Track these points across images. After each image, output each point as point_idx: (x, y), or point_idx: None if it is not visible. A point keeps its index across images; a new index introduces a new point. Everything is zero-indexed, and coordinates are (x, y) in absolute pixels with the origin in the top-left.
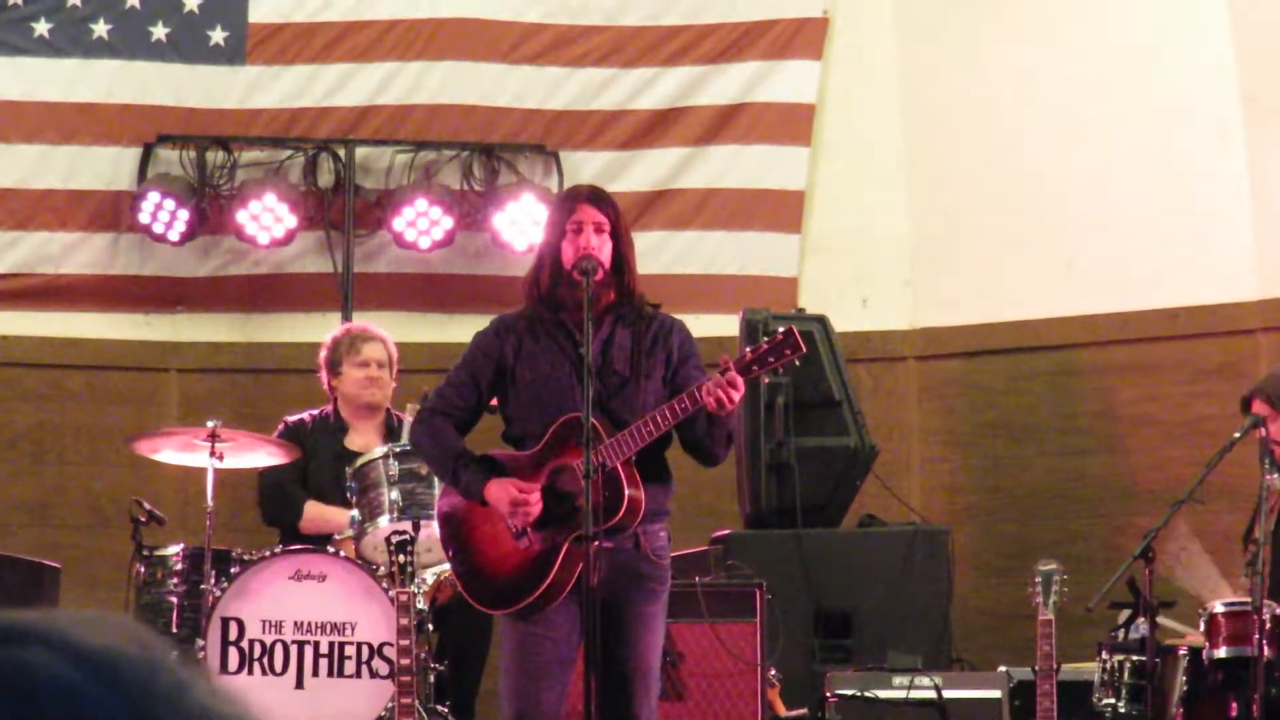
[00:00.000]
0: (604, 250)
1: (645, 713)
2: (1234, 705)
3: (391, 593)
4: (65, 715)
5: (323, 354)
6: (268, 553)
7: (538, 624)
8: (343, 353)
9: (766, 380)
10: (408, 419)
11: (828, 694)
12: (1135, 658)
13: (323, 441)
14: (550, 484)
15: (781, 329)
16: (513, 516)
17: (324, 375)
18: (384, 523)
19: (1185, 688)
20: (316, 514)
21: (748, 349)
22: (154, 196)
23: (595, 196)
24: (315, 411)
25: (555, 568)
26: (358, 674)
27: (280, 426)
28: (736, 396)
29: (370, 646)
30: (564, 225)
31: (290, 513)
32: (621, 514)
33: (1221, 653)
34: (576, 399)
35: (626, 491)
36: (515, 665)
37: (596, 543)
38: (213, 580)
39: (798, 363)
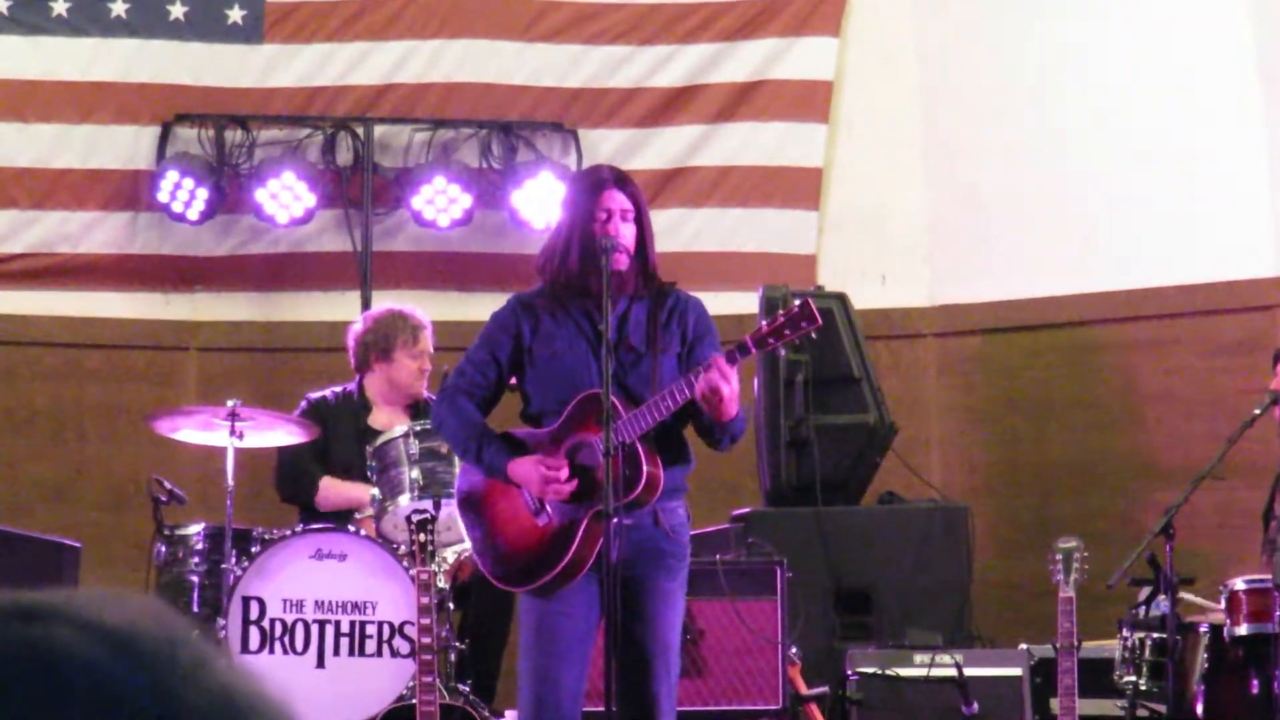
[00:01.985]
0: (629, 237)
1: (665, 690)
2: (1255, 682)
3: (412, 571)
4: (88, 693)
5: (366, 335)
6: (288, 532)
7: (557, 601)
8: (399, 340)
9: (784, 353)
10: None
11: (848, 671)
12: (1156, 635)
13: (345, 419)
14: (569, 460)
15: (797, 301)
16: (545, 492)
17: (364, 355)
18: (404, 501)
19: (1206, 665)
20: (333, 490)
21: (763, 322)
22: (172, 175)
23: (621, 180)
24: (338, 389)
25: (575, 544)
26: (379, 653)
27: (302, 404)
28: (724, 388)
29: (391, 625)
30: (593, 211)
31: (305, 490)
32: (640, 489)
33: (1242, 630)
34: (593, 375)
35: (645, 468)
36: (535, 644)
37: (616, 519)
38: (233, 559)
39: (814, 334)
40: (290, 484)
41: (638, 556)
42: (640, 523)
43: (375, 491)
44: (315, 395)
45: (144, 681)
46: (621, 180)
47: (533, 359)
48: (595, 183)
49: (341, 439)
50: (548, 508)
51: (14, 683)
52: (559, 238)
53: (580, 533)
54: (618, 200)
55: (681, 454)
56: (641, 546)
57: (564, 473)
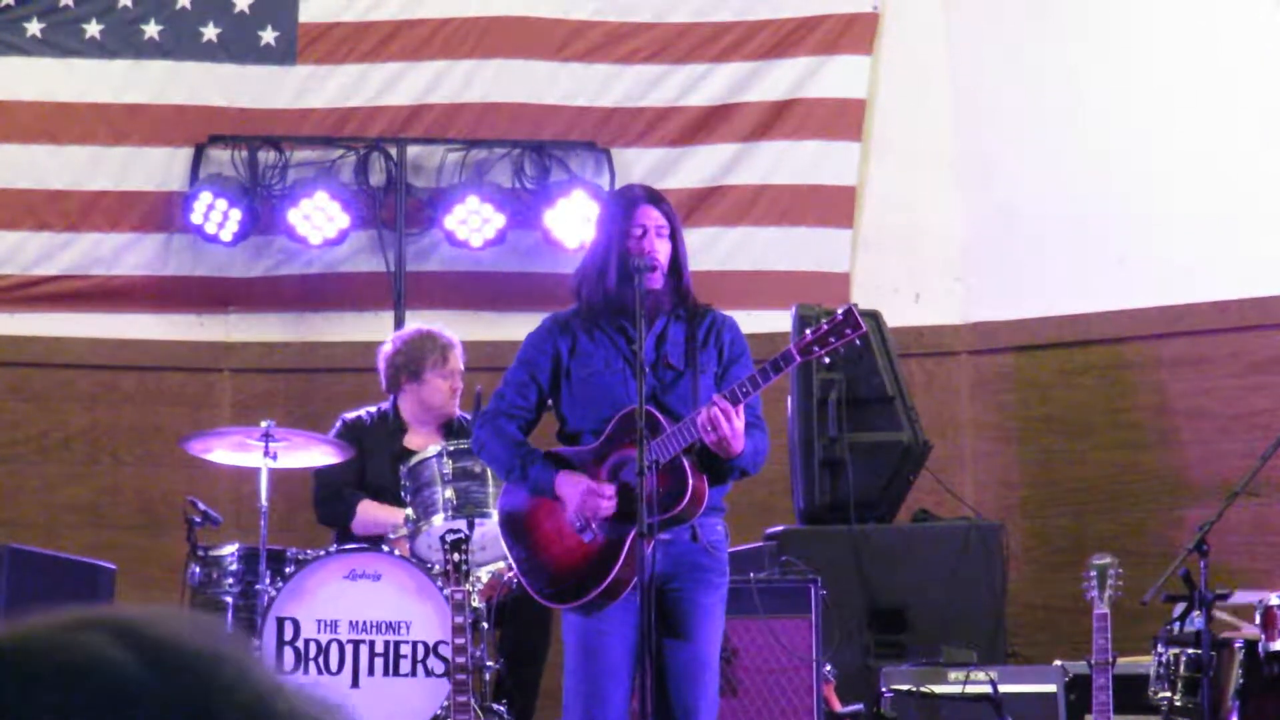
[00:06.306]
0: (664, 253)
1: (704, 704)
2: None
3: (446, 591)
4: (108, 692)
5: (396, 357)
6: (322, 552)
7: (601, 620)
8: (429, 361)
9: (828, 361)
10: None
11: (883, 689)
12: (1191, 651)
13: (381, 440)
14: (613, 478)
15: (841, 308)
16: (585, 511)
17: (394, 377)
18: (438, 521)
19: (1241, 681)
20: (369, 514)
21: (808, 330)
22: (206, 197)
23: (654, 198)
24: (373, 409)
25: (620, 561)
26: (413, 673)
27: (337, 424)
28: (724, 424)
29: (426, 645)
30: (627, 228)
31: (344, 515)
32: (685, 504)
33: (1277, 645)
34: (632, 394)
35: (690, 482)
36: (582, 664)
37: (653, 535)
38: (267, 580)
39: (859, 342)
40: (329, 507)
41: (677, 571)
42: (678, 538)
43: (409, 513)
44: (350, 416)
45: (174, 691)
46: (655, 197)
47: (570, 379)
48: (629, 200)
49: (377, 460)
50: (593, 525)
51: (42, 689)
52: (594, 257)
53: (625, 550)
54: (652, 217)
55: (719, 473)
56: (681, 562)
57: (609, 491)
